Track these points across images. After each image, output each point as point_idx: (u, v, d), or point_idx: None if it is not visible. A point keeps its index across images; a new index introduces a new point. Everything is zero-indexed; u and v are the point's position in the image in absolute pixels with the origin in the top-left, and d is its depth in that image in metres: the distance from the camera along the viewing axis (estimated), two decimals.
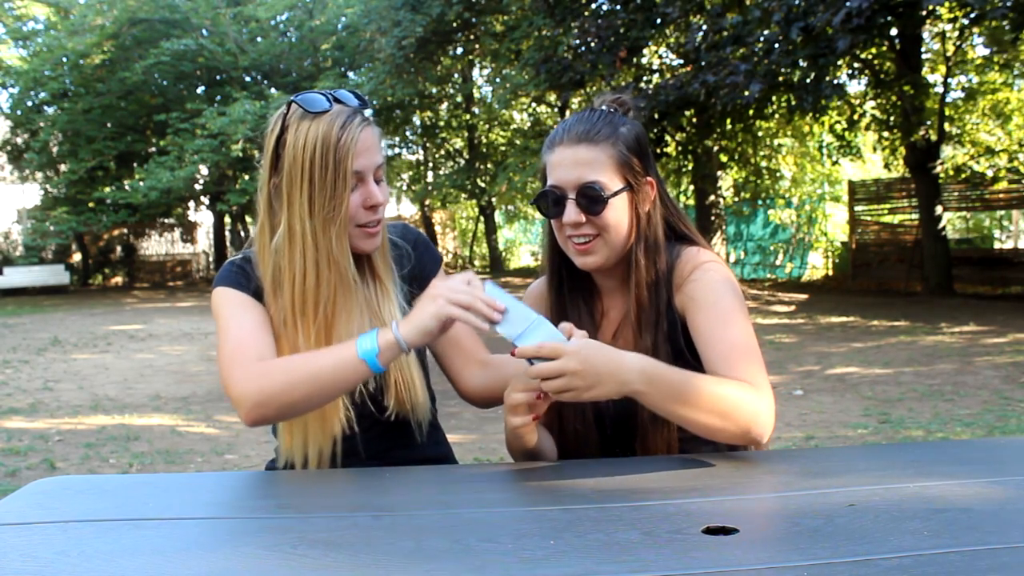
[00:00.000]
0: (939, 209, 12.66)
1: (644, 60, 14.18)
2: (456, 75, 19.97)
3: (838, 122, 14.47)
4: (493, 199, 21.48)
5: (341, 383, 1.33)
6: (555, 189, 1.43)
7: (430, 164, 23.44)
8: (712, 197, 14.79)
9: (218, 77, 20.55)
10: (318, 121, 1.36)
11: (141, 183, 18.07)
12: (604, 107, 1.50)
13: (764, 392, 1.31)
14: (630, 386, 1.22)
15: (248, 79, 20.41)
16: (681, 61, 13.16)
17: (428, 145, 22.66)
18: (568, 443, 1.51)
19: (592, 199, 1.40)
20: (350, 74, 19.97)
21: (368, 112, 1.43)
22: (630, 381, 1.22)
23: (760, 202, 18.02)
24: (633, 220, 1.45)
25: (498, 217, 25.45)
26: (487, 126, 21.73)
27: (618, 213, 1.43)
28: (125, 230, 23.20)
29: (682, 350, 1.43)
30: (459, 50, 18.24)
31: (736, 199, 17.83)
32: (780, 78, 10.04)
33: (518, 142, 19.48)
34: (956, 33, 13.06)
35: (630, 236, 1.45)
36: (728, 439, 1.30)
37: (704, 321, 1.39)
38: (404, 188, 23.35)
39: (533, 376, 1.20)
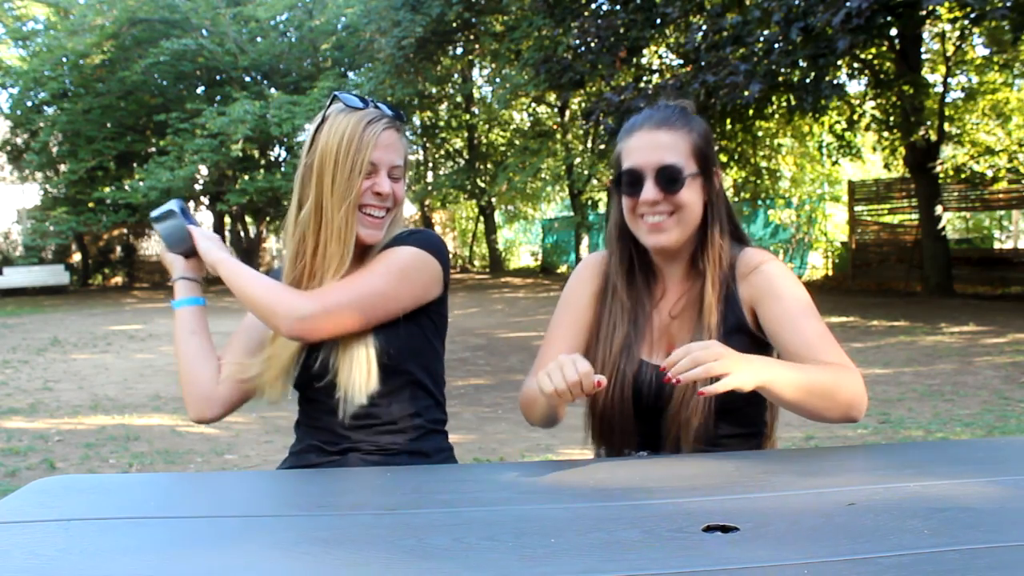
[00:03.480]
0: (939, 209, 12.66)
1: (644, 60, 14.17)
2: (456, 75, 19.96)
3: (838, 122, 14.47)
4: (493, 199, 21.49)
5: (179, 334, 1.67)
6: (633, 170, 1.51)
7: (430, 164, 23.44)
8: None
9: (218, 77, 20.55)
10: (351, 115, 1.54)
11: (141, 183, 18.07)
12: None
13: (856, 371, 1.39)
14: (761, 370, 1.27)
15: (248, 79, 20.42)
16: (681, 61, 13.15)
17: (428, 145, 22.65)
18: (603, 415, 1.56)
19: (670, 178, 1.48)
20: (350, 74, 19.96)
21: (400, 122, 1.59)
22: (756, 365, 1.28)
23: (760, 202, 18.02)
24: (704, 204, 1.54)
25: (498, 217, 25.45)
26: (487, 126, 21.73)
27: (693, 195, 1.51)
28: (125, 230, 23.20)
29: (732, 333, 1.49)
30: (459, 50, 18.23)
31: (736, 199, 17.83)
32: (780, 78, 10.03)
33: (518, 142, 19.47)
34: (956, 33, 13.07)
35: (701, 218, 1.53)
36: (831, 419, 1.36)
37: (783, 311, 1.46)
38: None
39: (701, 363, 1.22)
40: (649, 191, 1.48)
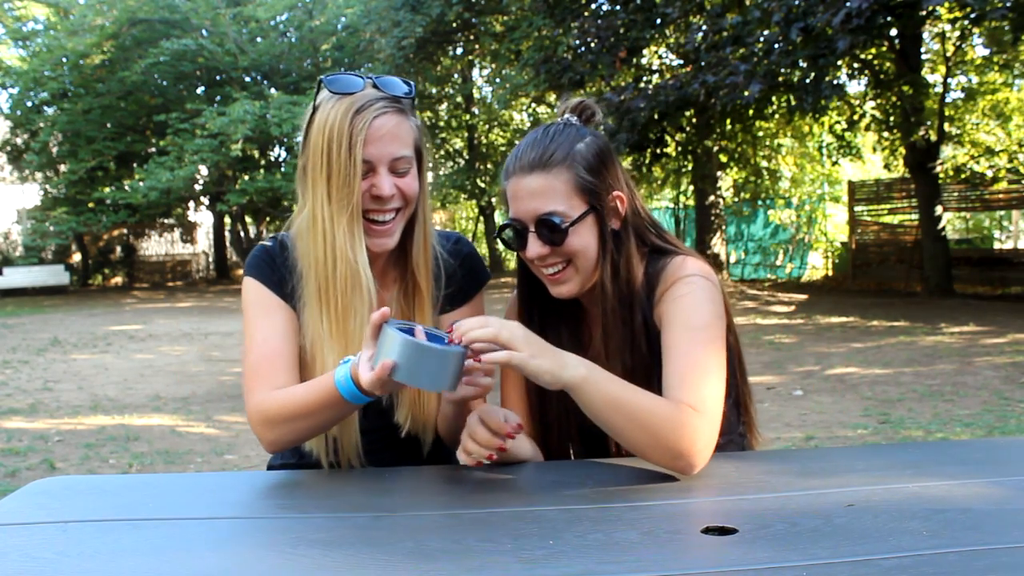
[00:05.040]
0: (939, 209, 12.66)
1: (644, 60, 14.18)
2: (456, 75, 19.98)
3: (838, 122, 14.47)
4: (493, 199, 21.51)
5: (336, 416, 1.31)
6: (515, 222, 1.36)
7: (430, 164, 23.45)
8: (712, 197, 14.80)
9: (218, 77, 20.56)
10: (341, 103, 1.32)
11: (141, 183, 18.08)
12: (566, 116, 1.43)
13: (706, 418, 1.22)
14: (569, 370, 1.18)
15: (248, 79, 20.42)
16: (681, 61, 13.16)
17: (428, 145, 22.67)
18: (552, 451, 1.49)
19: (552, 229, 1.32)
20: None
21: (405, 100, 1.38)
22: (569, 364, 1.18)
23: (760, 202, 18.02)
24: (600, 242, 1.37)
25: (498, 217, 25.46)
26: (487, 126, 21.74)
27: (583, 238, 1.35)
28: (125, 230, 23.20)
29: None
30: (459, 50, 18.24)
31: (736, 199, 17.84)
32: (780, 78, 10.04)
33: (517, 143, 19.49)
34: (956, 33, 13.07)
35: (600, 258, 1.38)
36: (654, 459, 1.22)
37: (672, 339, 1.31)
38: None
39: (479, 339, 1.14)
40: (533, 247, 1.34)
